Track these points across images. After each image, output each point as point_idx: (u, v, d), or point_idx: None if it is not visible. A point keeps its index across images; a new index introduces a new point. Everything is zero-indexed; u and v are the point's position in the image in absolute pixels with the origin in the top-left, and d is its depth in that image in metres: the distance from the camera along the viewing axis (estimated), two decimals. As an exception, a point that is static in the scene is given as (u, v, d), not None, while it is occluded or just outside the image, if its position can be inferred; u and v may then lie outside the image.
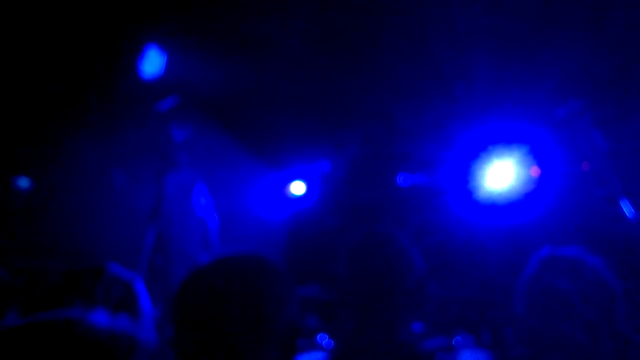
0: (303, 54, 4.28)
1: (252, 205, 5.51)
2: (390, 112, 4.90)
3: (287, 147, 5.36)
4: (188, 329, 1.27)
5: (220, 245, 3.94)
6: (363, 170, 5.67)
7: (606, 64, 3.97)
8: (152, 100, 4.16)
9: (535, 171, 4.77)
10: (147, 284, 1.74)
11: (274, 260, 1.40)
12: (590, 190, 4.03)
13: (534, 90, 4.20)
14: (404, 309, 1.55)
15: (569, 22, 3.80)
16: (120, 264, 1.72)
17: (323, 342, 4.08)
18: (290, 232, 5.75)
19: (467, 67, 4.15)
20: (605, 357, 1.51)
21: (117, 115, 4.32)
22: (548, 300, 1.62)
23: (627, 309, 1.61)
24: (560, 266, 1.67)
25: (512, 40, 4.00)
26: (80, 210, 4.42)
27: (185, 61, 4.30)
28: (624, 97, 4.10)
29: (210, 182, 4.18)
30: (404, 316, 1.56)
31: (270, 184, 5.83)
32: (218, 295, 1.28)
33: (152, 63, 4.24)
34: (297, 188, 5.87)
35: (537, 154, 4.73)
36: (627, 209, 3.51)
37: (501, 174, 4.90)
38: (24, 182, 4.88)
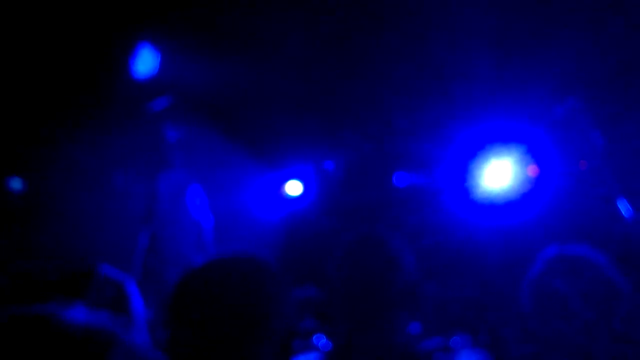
0: (299, 53, 4.26)
1: (247, 205, 5.49)
2: (387, 111, 4.89)
3: (283, 147, 5.34)
4: (182, 330, 1.27)
5: (216, 245, 3.92)
6: (360, 170, 5.65)
7: (604, 63, 3.97)
8: (145, 100, 4.14)
9: (533, 170, 4.77)
10: (140, 285, 1.73)
11: (269, 260, 1.39)
12: (588, 190, 4.03)
13: (531, 89, 4.20)
14: (398, 310, 1.55)
15: (567, 22, 3.80)
16: (114, 265, 1.71)
17: (319, 343, 4.05)
18: (286, 232, 5.73)
19: (465, 67, 4.15)
20: (612, 358, 1.49)
21: (111, 115, 4.29)
22: (555, 300, 1.61)
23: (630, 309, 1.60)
24: (567, 266, 1.65)
25: (510, 40, 4.00)
26: (73, 211, 4.39)
27: (180, 61, 4.28)
28: (621, 96, 4.11)
29: (206, 182, 4.16)
30: (399, 317, 1.55)
31: (266, 184, 5.80)
32: (212, 296, 1.28)
33: (146, 63, 4.21)
34: (293, 188, 5.85)
35: (535, 153, 4.73)
36: (624, 208, 3.51)
37: (499, 174, 4.89)
38: (16, 184, 4.84)
